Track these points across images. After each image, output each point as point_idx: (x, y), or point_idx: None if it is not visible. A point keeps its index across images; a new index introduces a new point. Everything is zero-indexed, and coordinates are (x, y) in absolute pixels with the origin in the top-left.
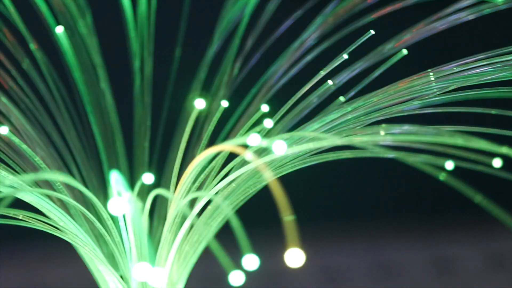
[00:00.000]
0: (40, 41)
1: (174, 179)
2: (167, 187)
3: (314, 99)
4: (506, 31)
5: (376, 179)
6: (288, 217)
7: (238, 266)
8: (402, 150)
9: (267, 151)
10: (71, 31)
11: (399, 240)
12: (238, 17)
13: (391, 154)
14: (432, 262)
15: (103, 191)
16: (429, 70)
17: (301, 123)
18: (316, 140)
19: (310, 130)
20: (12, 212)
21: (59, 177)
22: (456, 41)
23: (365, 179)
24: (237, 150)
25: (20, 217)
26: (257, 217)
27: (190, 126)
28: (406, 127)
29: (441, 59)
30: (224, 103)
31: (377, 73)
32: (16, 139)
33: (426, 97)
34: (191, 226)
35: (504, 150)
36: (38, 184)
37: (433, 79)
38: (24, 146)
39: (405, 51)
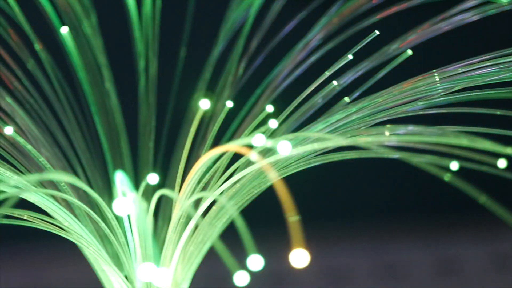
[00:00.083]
0: (45, 41)
1: (179, 180)
2: (172, 187)
3: (319, 100)
4: (511, 32)
5: (380, 180)
6: (292, 218)
7: (243, 266)
8: (406, 150)
9: (272, 152)
10: (76, 31)
11: (404, 240)
12: (243, 17)
13: (395, 155)
14: (436, 262)
15: (108, 192)
16: (434, 70)
17: (306, 124)
18: (320, 140)
19: (315, 130)
20: (17, 212)
21: (63, 177)
22: (460, 42)
23: (369, 179)
24: (242, 150)
25: (25, 217)
26: (262, 217)
27: (195, 127)
28: (411, 128)
29: (445, 59)
30: (229, 104)
31: (382, 73)
32: (21, 140)
33: (431, 98)
34: (196, 227)
35: (509, 150)
36: (43, 184)
37: (438, 79)
38: (29, 147)
39: (410, 52)
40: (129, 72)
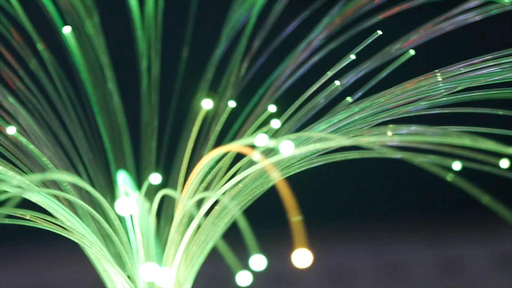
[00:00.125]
0: (47, 41)
1: (181, 179)
2: (174, 187)
3: (321, 100)
4: None
5: (383, 180)
6: (295, 218)
7: (246, 266)
8: (409, 150)
9: (274, 152)
10: (78, 31)
11: (406, 240)
12: (245, 17)
13: (398, 155)
14: (439, 262)
15: (110, 191)
16: (437, 70)
17: (308, 124)
18: (323, 140)
19: (317, 130)
20: (19, 212)
21: (66, 177)
22: (463, 42)
23: (372, 179)
24: (245, 150)
25: (27, 217)
26: (264, 217)
27: (198, 126)
28: (413, 128)
29: (448, 59)
30: (232, 104)
31: (384, 73)
32: (23, 139)
33: (433, 98)
34: (198, 226)
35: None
36: (45, 184)
37: (440, 79)
38: (31, 146)
39: (412, 52)
40: (131, 72)
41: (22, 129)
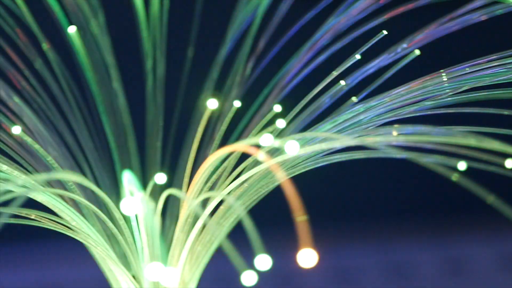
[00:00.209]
0: (53, 41)
1: (186, 179)
2: (180, 187)
3: (326, 100)
4: None
5: (388, 180)
6: (300, 217)
7: (251, 266)
8: (414, 150)
9: (279, 151)
10: (83, 31)
11: (412, 240)
12: (250, 17)
13: (403, 155)
14: (445, 262)
15: (115, 191)
16: (442, 70)
17: (313, 124)
18: (328, 140)
19: (323, 130)
20: (24, 212)
21: (71, 177)
22: (468, 42)
23: (377, 179)
24: (250, 150)
25: (32, 217)
26: (269, 217)
27: (203, 126)
28: (419, 128)
29: (453, 59)
30: (237, 103)
31: (389, 73)
32: (28, 139)
33: (439, 98)
34: (204, 226)
35: None
36: (50, 184)
37: (445, 79)
38: (36, 146)
39: (417, 52)
40: (136, 72)
41: (27, 129)
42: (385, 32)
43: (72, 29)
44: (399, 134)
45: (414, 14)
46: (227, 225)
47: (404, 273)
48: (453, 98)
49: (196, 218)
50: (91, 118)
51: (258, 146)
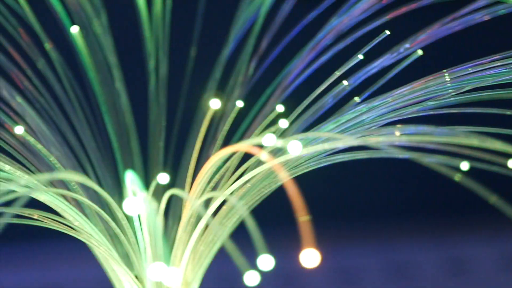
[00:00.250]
0: (55, 40)
1: (189, 179)
2: (182, 187)
3: (329, 100)
4: None
5: (390, 180)
6: (303, 218)
7: (253, 266)
8: (417, 150)
9: (282, 151)
10: (86, 30)
11: (414, 240)
12: (253, 17)
13: (406, 155)
14: (447, 262)
15: (118, 191)
16: (444, 70)
17: (316, 123)
18: (331, 140)
19: (325, 130)
20: (27, 212)
21: (74, 177)
22: (471, 42)
23: (379, 179)
24: (252, 150)
25: (35, 217)
26: (272, 217)
27: (205, 126)
28: (421, 128)
29: (456, 59)
30: (239, 103)
31: (392, 73)
32: (31, 139)
33: (441, 98)
34: (206, 226)
35: None
36: (53, 183)
37: (448, 79)
38: (39, 146)
39: (420, 52)
40: (139, 71)
41: (29, 129)
42: (387, 32)
43: (74, 29)
44: (401, 134)
45: (417, 14)
46: (230, 225)
47: (406, 273)
48: (455, 98)
49: (198, 218)
50: (93, 118)
51: (260, 146)
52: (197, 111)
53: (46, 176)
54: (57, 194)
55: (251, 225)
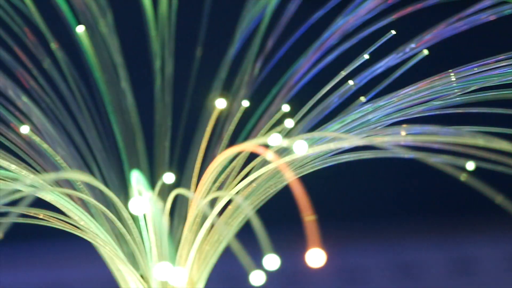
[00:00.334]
0: (61, 40)
1: (194, 179)
2: (188, 186)
3: (334, 99)
4: None
5: (396, 180)
6: (308, 217)
7: (259, 266)
8: (422, 150)
9: (287, 151)
10: (92, 30)
11: (419, 240)
12: (259, 17)
13: (411, 155)
14: (452, 262)
15: (123, 191)
16: (450, 70)
17: (321, 123)
18: (336, 140)
19: (331, 130)
20: (33, 211)
21: (79, 176)
22: (477, 42)
23: (385, 179)
24: (258, 150)
25: (41, 216)
26: (277, 217)
27: (211, 126)
28: (427, 128)
29: (462, 59)
30: (245, 103)
31: (398, 73)
32: (37, 139)
33: (447, 98)
34: (212, 226)
35: None
36: (59, 183)
37: (453, 79)
38: (45, 146)
39: (426, 52)
40: (145, 71)
41: (35, 128)
42: (393, 32)
43: (80, 29)
44: (407, 134)
45: (423, 14)
46: (235, 224)
47: (411, 273)
48: (461, 98)
49: (204, 218)
50: (99, 117)
51: (266, 146)
52: (202, 111)
53: (52, 176)
54: (62, 194)
55: (257, 224)
